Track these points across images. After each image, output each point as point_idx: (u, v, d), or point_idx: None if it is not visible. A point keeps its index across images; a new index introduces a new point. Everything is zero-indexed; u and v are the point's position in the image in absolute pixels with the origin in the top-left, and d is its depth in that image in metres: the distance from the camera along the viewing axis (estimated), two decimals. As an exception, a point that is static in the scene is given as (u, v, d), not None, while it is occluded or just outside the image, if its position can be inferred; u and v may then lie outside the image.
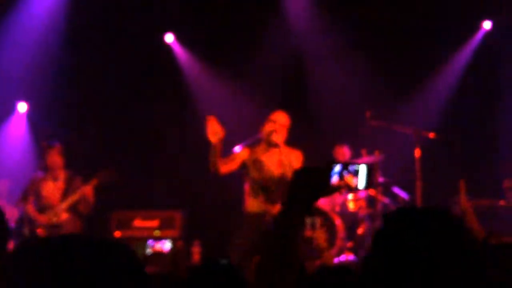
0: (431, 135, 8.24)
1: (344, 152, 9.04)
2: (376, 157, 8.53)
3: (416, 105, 10.06)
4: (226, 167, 6.74)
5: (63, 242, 1.51)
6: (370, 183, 2.24)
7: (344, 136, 9.17)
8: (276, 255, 2.08)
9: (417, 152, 8.07)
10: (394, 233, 1.75)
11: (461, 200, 7.12)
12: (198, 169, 9.78)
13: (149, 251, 8.23)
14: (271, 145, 6.80)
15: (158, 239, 8.31)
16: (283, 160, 6.75)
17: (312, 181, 2.16)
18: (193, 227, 8.75)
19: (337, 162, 2.23)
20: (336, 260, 8.27)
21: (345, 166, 2.26)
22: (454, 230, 1.73)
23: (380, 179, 8.51)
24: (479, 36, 10.21)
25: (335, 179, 2.21)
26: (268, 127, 6.82)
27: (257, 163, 6.79)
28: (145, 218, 8.48)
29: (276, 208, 6.63)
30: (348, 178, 2.26)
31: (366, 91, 9.66)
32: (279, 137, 6.79)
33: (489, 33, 10.10)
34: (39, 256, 1.48)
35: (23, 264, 1.47)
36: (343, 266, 4.25)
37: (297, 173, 2.20)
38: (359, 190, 2.26)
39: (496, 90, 9.91)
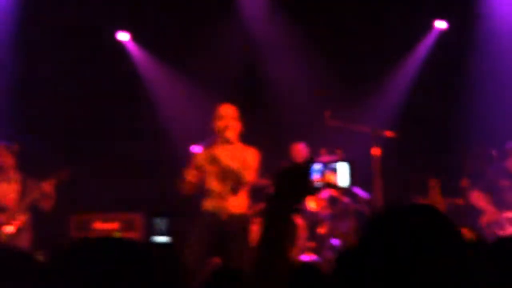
0: (389, 133, 8.28)
1: (300, 150, 9.03)
2: (338, 156, 8.45)
3: (374, 104, 10.12)
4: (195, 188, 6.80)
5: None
6: (351, 180, 2.25)
7: (302, 135, 9.17)
8: (266, 260, 2.09)
9: (376, 151, 8.09)
10: (383, 233, 1.75)
11: (433, 199, 7.21)
12: (157, 169, 9.82)
13: None
14: (226, 141, 6.76)
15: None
16: (237, 155, 6.71)
17: (295, 182, 2.17)
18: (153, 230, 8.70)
19: (316, 161, 2.25)
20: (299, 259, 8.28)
21: (325, 164, 2.30)
22: (444, 229, 1.74)
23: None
24: (433, 33, 10.30)
25: (316, 177, 2.26)
26: (220, 124, 6.76)
27: (212, 159, 6.74)
28: (105, 220, 8.41)
29: (231, 203, 6.62)
30: (329, 175, 2.29)
31: (323, 89, 9.72)
32: (232, 132, 6.75)
33: (444, 31, 10.21)
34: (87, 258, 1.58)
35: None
36: (309, 265, 4.27)
37: (279, 175, 2.20)
38: (342, 187, 2.27)
39: (453, 87, 10.02)
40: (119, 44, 10.28)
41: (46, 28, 9.57)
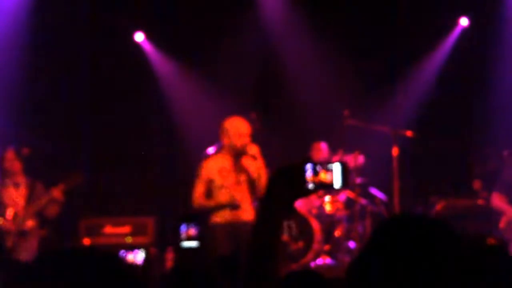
0: (409, 133, 8.19)
1: (321, 149, 8.91)
2: (355, 157, 8.46)
3: (394, 103, 9.99)
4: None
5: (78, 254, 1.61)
6: (345, 182, 2.15)
7: (321, 134, 9.05)
8: (257, 262, 2.04)
9: (395, 151, 8.02)
10: (388, 244, 1.72)
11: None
12: (169, 173, 9.65)
13: None
14: (241, 156, 6.76)
15: (130, 248, 8.02)
16: (248, 164, 6.78)
17: (289, 180, 2.09)
18: (166, 233, 8.52)
19: (311, 161, 2.14)
20: (312, 264, 8.17)
21: (319, 164, 2.16)
22: (453, 243, 1.69)
23: (358, 180, 8.39)
24: (456, 32, 10.12)
25: (309, 174, 2.13)
26: (240, 140, 6.74)
27: (224, 172, 6.76)
28: (116, 224, 8.26)
29: (244, 213, 6.71)
30: (322, 174, 2.14)
31: (342, 89, 9.58)
32: (254, 147, 6.78)
33: (466, 30, 10.02)
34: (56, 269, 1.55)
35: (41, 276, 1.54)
36: (310, 271, 4.22)
37: (273, 174, 2.13)
38: (335, 189, 2.18)
39: (474, 86, 9.81)
40: (135, 44, 10.17)
41: (60, 29, 9.50)
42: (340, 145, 8.64)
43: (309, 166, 2.11)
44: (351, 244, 8.51)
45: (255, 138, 7.01)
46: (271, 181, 2.11)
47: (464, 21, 9.99)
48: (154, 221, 8.32)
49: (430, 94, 9.96)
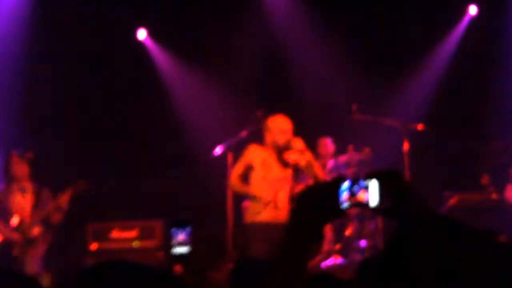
0: (420, 127, 8.06)
1: (327, 145, 8.88)
2: (365, 154, 8.42)
3: (403, 96, 9.90)
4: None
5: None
6: (383, 199, 1.92)
7: (329, 129, 9.01)
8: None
9: (406, 146, 7.93)
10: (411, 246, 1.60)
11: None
12: (177, 175, 9.58)
13: None
14: (287, 149, 6.87)
15: (138, 251, 7.92)
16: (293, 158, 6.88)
17: (319, 202, 1.93)
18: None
19: (345, 178, 1.96)
20: (323, 264, 8.11)
21: (354, 181, 1.98)
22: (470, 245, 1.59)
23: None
24: (464, 22, 10.02)
25: (345, 196, 1.95)
26: (283, 138, 6.85)
27: (267, 164, 6.85)
28: (123, 228, 8.15)
29: (283, 214, 6.77)
30: (360, 194, 1.96)
31: (350, 83, 9.47)
32: (298, 141, 6.91)
33: (475, 19, 9.91)
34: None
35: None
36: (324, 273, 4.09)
37: (301, 194, 1.97)
38: (372, 208, 1.96)
39: (485, 77, 9.72)
40: (137, 41, 10.11)
41: (62, 27, 9.46)
42: (349, 140, 8.57)
43: (345, 185, 1.95)
44: (362, 243, 8.44)
45: (261, 136, 7.04)
46: (298, 202, 1.95)
47: (472, 10, 9.81)
48: (162, 224, 8.20)
49: (440, 86, 9.86)
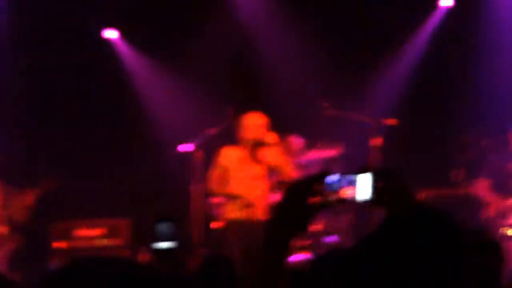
0: (391, 122, 8.00)
1: (296, 142, 8.83)
2: (336, 150, 8.50)
3: (374, 92, 9.89)
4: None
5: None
6: (377, 194, 1.92)
7: (300, 126, 8.99)
8: (265, 278, 1.96)
9: (377, 141, 7.90)
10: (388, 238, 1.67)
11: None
12: (142, 173, 9.51)
13: None
14: (260, 146, 6.94)
15: (104, 250, 7.85)
16: (266, 155, 6.96)
17: (302, 196, 1.97)
18: (140, 234, 8.36)
19: (331, 172, 1.99)
20: (293, 259, 8.02)
21: (342, 176, 1.99)
22: (451, 236, 1.67)
23: (334, 171, 8.22)
24: (436, 15, 10.01)
25: (328, 189, 1.97)
26: (257, 133, 6.95)
27: (242, 164, 6.92)
28: (88, 227, 8.11)
29: (258, 212, 6.85)
30: (345, 189, 1.96)
31: (321, 80, 9.48)
32: (271, 135, 7.01)
33: (447, 12, 9.90)
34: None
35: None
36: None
37: (285, 189, 2.02)
38: (362, 202, 1.97)
39: (456, 70, 9.71)
40: (106, 42, 10.06)
41: (29, 27, 9.41)
42: (320, 136, 8.59)
43: (332, 179, 1.96)
44: (332, 239, 8.46)
45: (232, 133, 7.11)
46: (283, 196, 1.99)
47: (446, 2, 9.82)
48: (129, 222, 8.18)
49: (411, 81, 9.90)
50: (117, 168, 9.57)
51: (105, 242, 7.99)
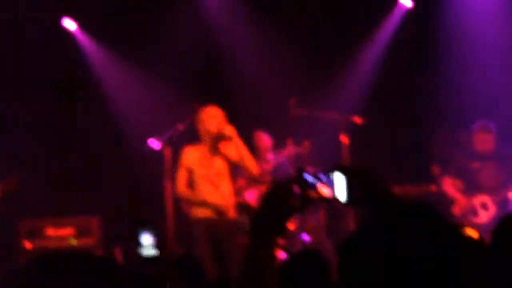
0: (358, 119, 8.09)
1: (263, 139, 8.83)
2: (304, 147, 8.45)
3: (341, 89, 9.88)
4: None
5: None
6: (352, 196, 1.96)
7: (267, 123, 8.96)
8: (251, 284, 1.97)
9: (345, 138, 7.96)
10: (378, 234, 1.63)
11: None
12: (110, 167, 9.45)
13: None
14: (220, 139, 6.93)
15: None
16: (238, 147, 6.95)
17: (281, 197, 2.00)
18: (111, 233, 8.31)
19: (305, 171, 2.03)
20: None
21: (317, 176, 2.05)
22: (442, 229, 1.64)
23: (309, 170, 8.24)
24: (398, 13, 10.01)
25: (304, 188, 2.02)
26: (213, 127, 6.92)
27: (204, 161, 6.92)
28: (58, 225, 8.00)
29: (227, 211, 6.87)
30: (319, 187, 2.03)
31: (288, 77, 9.47)
32: (229, 127, 6.94)
33: (409, 10, 9.92)
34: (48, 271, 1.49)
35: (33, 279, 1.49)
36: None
37: (265, 191, 2.04)
38: (339, 202, 2.02)
39: (421, 66, 9.79)
40: (66, 33, 9.80)
41: None
42: (288, 134, 8.55)
43: (306, 179, 1.98)
44: (305, 237, 8.45)
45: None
46: (263, 199, 2.00)
47: (406, 2, 9.88)
48: (99, 220, 8.11)
49: (378, 76, 9.90)
50: (84, 164, 9.48)
51: (76, 241, 7.88)
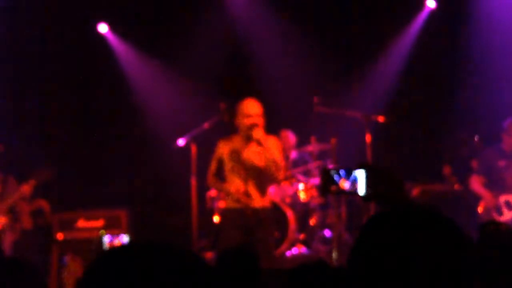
0: (381, 118, 8.10)
1: (288, 137, 8.94)
2: (330, 145, 8.48)
3: (365, 88, 9.99)
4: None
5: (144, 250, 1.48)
6: (370, 192, 2.09)
7: (291, 123, 9.10)
8: None
9: (368, 137, 7.96)
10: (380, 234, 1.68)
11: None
12: (139, 165, 9.70)
13: (106, 247, 7.97)
14: (252, 140, 6.69)
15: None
16: (265, 153, 6.71)
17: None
18: (139, 226, 8.61)
19: (330, 169, 2.17)
20: (288, 253, 8.18)
21: (340, 172, 2.19)
22: (448, 237, 1.67)
23: (331, 167, 8.38)
24: (423, 14, 10.12)
25: (329, 182, 2.17)
26: (246, 122, 6.67)
27: (234, 155, 6.77)
28: (89, 218, 8.30)
29: (255, 201, 6.73)
30: (341, 183, 2.18)
31: (312, 76, 9.57)
32: (260, 131, 6.67)
33: (434, 12, 10.03)
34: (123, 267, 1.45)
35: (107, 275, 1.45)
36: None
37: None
38: (358, 196, 2.16)
39: (443, 69, 9.87)
40: (99, 36, 10.09)
41: (23, 23, 9.48)
42: (312, 133, 8.68)
43: (331, 174, 2.13)
44: (327, 233, 8.57)
45: (225, 129, 7.08)
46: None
47: (431, 3, 10.00)
48: (127, 213, 8.37)
49: (400, 78, 10.01)
50: (114, 160, 9.66)
51: (105, 233, 8.10)
